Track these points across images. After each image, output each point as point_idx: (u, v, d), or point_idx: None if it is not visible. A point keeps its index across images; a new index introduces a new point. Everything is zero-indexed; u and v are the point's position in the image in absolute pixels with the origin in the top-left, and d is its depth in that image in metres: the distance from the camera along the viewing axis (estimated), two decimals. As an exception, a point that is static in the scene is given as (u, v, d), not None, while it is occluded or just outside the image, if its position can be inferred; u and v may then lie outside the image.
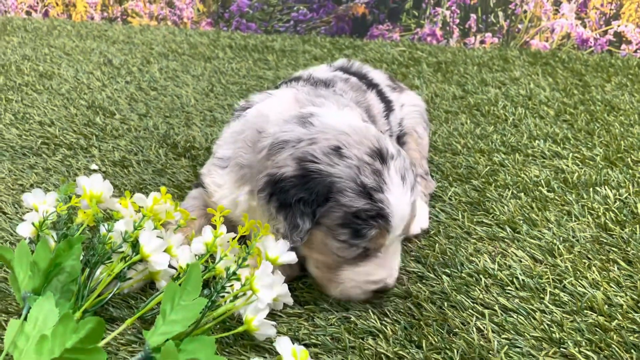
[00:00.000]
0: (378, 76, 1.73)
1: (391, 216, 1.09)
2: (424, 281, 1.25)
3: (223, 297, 1.07)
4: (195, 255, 1.21)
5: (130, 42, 3.10)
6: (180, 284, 1.03)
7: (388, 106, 1.60)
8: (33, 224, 1.17)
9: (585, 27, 2.97)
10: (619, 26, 2.93)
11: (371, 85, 1.62)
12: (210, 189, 1.33)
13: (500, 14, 3.03)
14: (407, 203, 1.12)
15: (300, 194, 1.09)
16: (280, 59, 2.86)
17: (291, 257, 1.10)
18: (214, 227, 1.18)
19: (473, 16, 3.06)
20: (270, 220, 1.13)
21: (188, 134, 1.97)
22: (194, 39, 3.19)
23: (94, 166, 1.74)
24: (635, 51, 2.95)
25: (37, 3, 3.61)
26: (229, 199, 1.29)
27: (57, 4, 3.59)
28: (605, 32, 2.96)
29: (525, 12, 3.01)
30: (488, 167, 1.73)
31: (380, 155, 1.12)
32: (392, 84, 1.76)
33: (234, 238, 1.17)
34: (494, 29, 3.07)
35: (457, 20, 3.09)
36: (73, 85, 2.42)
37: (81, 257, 1.13)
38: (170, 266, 1.17)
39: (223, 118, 2.11)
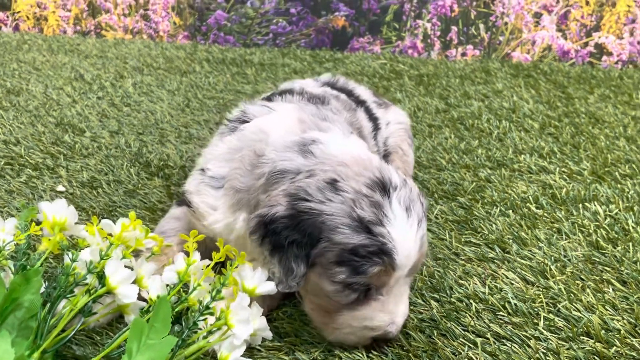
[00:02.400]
0: (364, 93, 1.68)
1: (395, 252, 0.99)
2: (412, 307, 1.18)
3: (196, 332, 0.98)
4: (167, 285, 1.12)
5: (103, 57, 3.01)
6: (148, 320, 0.94)
7: (375, 124, 1.55)
8: (-10, 255, 1.07)
9: (566, 39, 2.96)
10: (599, 38, 2.93)
11: (359, 102, 1.57)
12: (200, 209, 1.22)
13: (482, 26, 3.01)
14: (413, 238, 1.01)
15: (292, 236, 1.01)
16: (259, 72, 2.79)
17: (270, 288, 1.02)
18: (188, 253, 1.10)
19: (454, 28, 3.04)
20: (265, 264, 1.05)
21: (162, 151, 1.89)
22: (170, 52, 3.11)
23: (60, 188, 1.64)
24: (616, 62, 2.95)
25: (7, 17, 3.50)
26: (223, 223, 1.19)
27: (28, 18, 3.49)
28: (586, 44, 2.96)
29: (506, 24, 2.99)
30: (474, 184, 1.68)
31: (382, 187, 1.02)
32: (378, 100, 1.70)
33: (208, 265, 1.09)
34: (475, 41, 3.05)
35: (438, 33, 3.06)
36: (42, 101, 2.32)
37: (42, 290, 1.04)
38: (142, 298, 1.08)
39: (199, 134, 2.03)
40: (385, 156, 1.57)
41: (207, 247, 1.13)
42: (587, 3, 2.88)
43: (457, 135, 2.06)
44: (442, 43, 3.07)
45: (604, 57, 2.96)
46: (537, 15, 2.96)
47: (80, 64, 2.87)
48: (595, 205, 1.55)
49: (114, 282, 1.05)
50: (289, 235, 1.01)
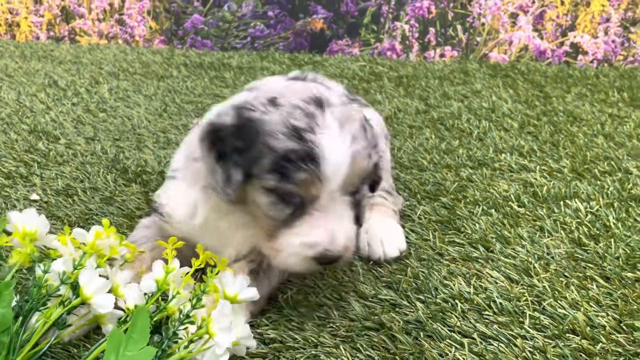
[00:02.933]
0: (334, 86, 1.66)
1: (322, 159, 1.00)
2: (397, 310, 1.16)
3: (176, 342, 0.95)
4: (145, 294, 1.09)
5: (78, 62, 2.95)
6: (125, 330, 0.91)
7: None
8: (-44, 267, 1.03)
9: (542, 38, 2.99)
10: (575, 37, 2.96)
11: None
12: (164, 205, 1.24)
13: (459, 27, 3.02)
14: (344, 149, 1.03)
15: (236, 143, 1.06)
16: (238, 76, 2.76)
17: (252, 294, 1.00)
18: (166, 260, 1.06)
19: (432, 30, 3.04)
20: (210, 174, 1.09)
21: (139, 157, 1.85)
22: (146, 57, 3.06)
23: (34, 196, 1.59)
24: (592, 61, 2.98)
25: (-22, 23, 3.43)
26: (184, 208, 1.20)
27: (0, 24, 3.41)
28: (562, 44, 2.99)
29: (483, 25, 3.01)
30: (456, 183, 1.67)
31: (318, 102, 1.07)
32: (350, 95, 1.68)
33: (187, 273, 1.06)
34: (453, 42, 3.06)
35: (417, 34, 3.06)
36: (14, 108, 2.26)
37: (14, 304, 1.00)
38: (118, 307, 1.05)
39: (177, 139, 1.99)
40: None
41: (183, 256, 1.10)
42: (562, 3, 2.91)
43: (437, 135, 2.06)
44: (421, 44, 3.07)
45: (580, 56, 2.99)
46: (514, 16, 2.98)
47: (54, 70, 2.81)
48: (576, 203, 1.55)
49: (89, 292, 1.01)
50: (233, 142, 1.06)
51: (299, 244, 1.04)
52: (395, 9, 3.03)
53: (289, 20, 3.14)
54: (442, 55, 3.07)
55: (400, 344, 1.07)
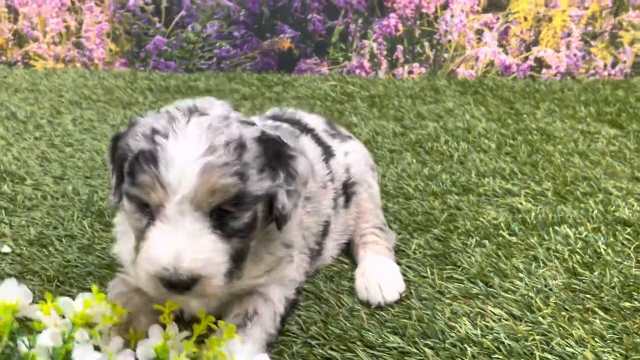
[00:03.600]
0: (313, 121, 1.62)
1: (163, 163, 0.97)
2: (406, 358, 1.13)
3: (186, 420, 0.89)
4: (143, 361, 1.02)
5: (35, 90, 2.81)
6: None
7: (327, 150, 1.48)
8: None
9: (507, 54, 3.04)
10: (538, 51, 3.02)
11: (305, 129, 1.50)
12: (118, 254, 1.21)
13: (426, 44, 3.05)
14: (191, 156, 0.97)
15: (119, 150, 1.07)
16: (207, 100, 2.68)
17: (263, 360, 0.95)
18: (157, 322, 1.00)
19: (400, 47, 3.05)
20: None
21: (115, 197, 1.75)
22: (108, 82, 2.94)
23: (5, 248, 1.49)
24: (555, 75, 3.06)
25: None
26: (126, 249, 1.15)
27: (-54, 49, 3.22)
28: (527, 58, 3.05)
29: (449, 41, 3.04)
30: (445, 212, 1.66)
31: (190, 110, 1.05)
32: (331, 130, 1.64)
33: (187, 338, 1.00)
34: (421, 59, 3.08)
35: (385, 52, 3.06)
36: (-29, 145, 2.12)
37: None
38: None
39: (153, 175, 1.91)
40: (349, 186, 1.50)
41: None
42: (525, 19, 2.98)
43: (418, 160, 2.05)
44: (389, 62, 3.08)
45: (544, 70, 3.06)
46: (479, 32, 3.02)
47: (9, 100, 2.66)
48: (564, 228, 1.56)
49: (87, 369, 0.94)
50: (119, 148, 1.07)
51: (143, 257, 0.99)
52: (362, 27, 3.03)
53: (255, 40, 3.09)
54: (410, 72, 3.09)
55: (415, 398, 1.04)
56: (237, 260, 1.04)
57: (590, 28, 2.98)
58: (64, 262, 1.43)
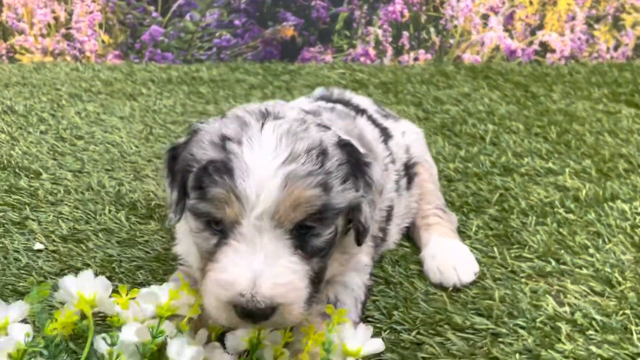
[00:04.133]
0: (363, 101, 1.55)
1: (238, 174, 0.85)
2: (500, 339, 1.07)
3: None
4: (231, 354, 0.94)
5: (28, 84, 2.64)
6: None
7: (384, 132, 1.42)
8: (10, 355, 0.83)
9: (512, 38, 3.03)
10: (543, 36, 3.02)
11: (358, 110, 1.43)
12: (182, 255, 1.13)
13: (432, 30, 3.01)
14: (271, 165, 0.86)
15: (180, 162, 0.97)
16: (215, 90, 2.58)
17: (377, 346, 0.87)
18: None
19: (405, 33, 3.01)
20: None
21: (142, 189, 1.65)
22: (104, 74, 2.79)
23: (38, 245, 1.37)
24: (559, 59, 3.06)
25: None
26: (190, 249, 1.06)
27: None
28: (531, 42, 3.04)
29: (455, 27, 3.00)
30: (494, 193, 1.61)
31: (263, 114, 0.95)
32: (380, 110, 1.58)
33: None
34: (427, 45, 3.04)
35: (390, 39, 3.01)
36: (-28, 141, 1.97)
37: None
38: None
39: (180, 165, 1.80)
40: (410, 167, 1.43)
41: None
42: (531, 3, 2.97)
43: (450, 142, 2.00)
44: (395, 49, 3.03)
45: (548, 54, 3.06)
46: (485, 17, 3.00)
47: (2, 94, 2.49)
48: (619, 204, 1.54)
49: (181, 365, 0.85)
50: (179, 161, 0.98)
51: (214, 281, 0.87)
52: (367, 14, 2.96)
53: (257, 29, 2.99)
54: (415, 59, 3.04)
55: (522, 380, 0.98)
56: (316, 283, 0.94)
57: (594, 11, 2.99)
58: (106, 257, 1.32)
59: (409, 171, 1.40)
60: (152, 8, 2.97)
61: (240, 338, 0.93)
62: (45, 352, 0.82)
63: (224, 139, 0.91)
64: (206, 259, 0.93)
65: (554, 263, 1.30)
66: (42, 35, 3.02)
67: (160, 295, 0.91)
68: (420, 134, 1.55)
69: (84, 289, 0.89)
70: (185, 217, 1.02)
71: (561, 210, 1.51)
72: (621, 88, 2.58)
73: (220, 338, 0.97)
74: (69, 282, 0.89)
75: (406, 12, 2.97)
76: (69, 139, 2.01)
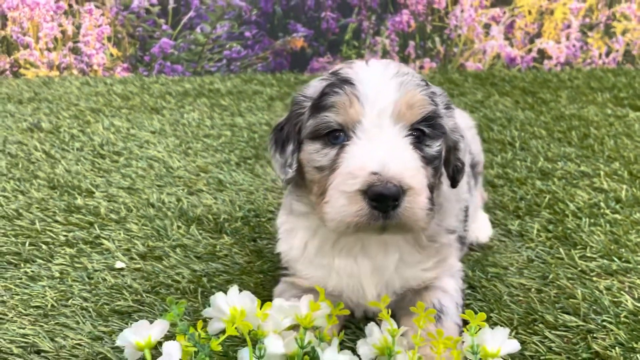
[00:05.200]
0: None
1: (357, 81, 0.97)
2: (594, 335, 1.15)
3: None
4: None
5: (42, 100, 2.60)
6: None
7: None
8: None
9: (512, 46, 3.16)
10: (541, 43, 3.16)
11: None
12: (284, 253, 1.16)
13: (437, 39, 3.11)
14: (385, 74, 0.99)
15: (288, 126, 1.06)
16: (236, 102, 2.60)
17: (514, 346, 0.93)
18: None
19: (412, 43, 3.10)
20: (274, 168, 1.12)
21: (202, 204, 1.66)
22: (118, 88, 2.78)
23: (119, 264, 1.37)
24: (556, 65, 3.21)
25: None
26: (295, 243, 1.13)
27: None
28: (530, 50, 3.18)
29: (459, 36, 3.11)
30: (541, 197, 1.70)
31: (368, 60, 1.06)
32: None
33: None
34: (432, 54, 3.13)
35: (397, 48, 3.10)
36: (8, 160, 1.94)
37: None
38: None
39: (234, 178, 1.83)
40: (474, 166, 1.49)
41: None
42: (530, 12, 3.11)
43: (483, 149, 2.08)
44: (401, 58, 3.11)
45: (545, 61, 3.20)
46: (487, 26, 3.12)
47: (19, 111, 2.45)
48: (659, 203, 1.65)
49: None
50: (286, 126, 1.07)
51: (341, 179, 0.93)
52: (375, 24, 3.04)
53: (267, 40, 3.03)
54: (421, 67, 3.14)
55: (626, 371, 1.06)
56: (431, 193, 0.98)
57: (587, 19, 3.15)
58: (193, 273, 1.34)
59: (473, 170, 1.47)
60: (162, 21, 2.96)
61: (372, 345, 0.97)
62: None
63: (334, 72, 1.02)
64: (325, 178, 0.98)
65: (617, 261, 1.39)
66: (49, 49, 2.97)
67: (300, 307, 0.95)
68: (474, 128, 1.60)
69: (233, 304, 0.92)
70: (289, 199, 1.13)
71: (608, 211, 1.61)
72: (622, 93, 2.73)
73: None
74: (220, 299, 0.92)
75: (412, 23, 3.06)
76: (108, 155, 2.00)
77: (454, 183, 1.11)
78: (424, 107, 0.98)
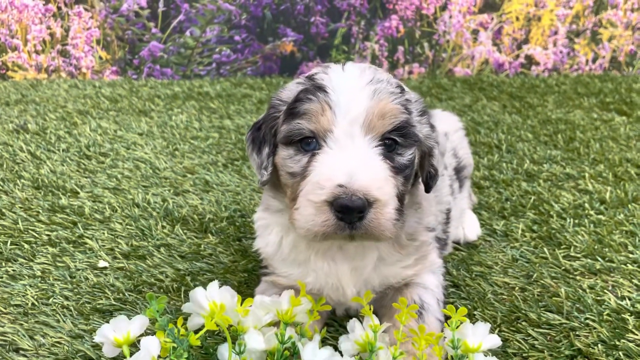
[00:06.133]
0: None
1: (329, 88, 0.97)
2: (577, 333, 1.16)
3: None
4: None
5: (29, 102, 2.59)
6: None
7: None
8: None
9: (500, 52, 3.19)
10: (528, 49, 3.19)
11: None
12: (260, 249, 1.16)
13: (426, 44, 3.12)
14: (358, 82, 0.98)
15: (265, 126, 1.07)
16: (225, 105, 2.60)
17: (495, 341, 0.93)
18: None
19: (401, 48, 3.11)
20: (252, 166, 1.11)
21: (187, 204, 1.66)
22: (106, 91, 2.77)
23: (102, 263, 1.36)
24: (543, 71, 3.24)
25: None
26: (271, 239, 1.13)
27: None
28: (518, 56, 3.21)
29: (447, 41, 3.13)
30: (526, 198, 1.71)
31: (344, 64, 1.07)
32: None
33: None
34: (421, 59, 3.15)
35: (386, 53, 3.11)
36: (-7, 161, 1.92)
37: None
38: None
39: (220, 179, 1.82)
40: (461, 170, 1.50)
41: None
42: (517, 19, 3.14)
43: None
44: (390, 63, 3.13)
45: (533, 67, 3.23)
46: (475, 32, 3.15)
47: (5, 112, 2.43)
48: (642, 205, 1.66)
49: (316, 369, 0.89)
50: (263, 127, 1.07)
51: (309, 187, 0.94)
52: (365, 29, 3.06)
53: (257, 44, 3.03)
54: (410, 72, 3.15)
55: (608, 368, 1.06)
56: (400, 203, 0.99)
57: (574, 26, 3.19)
58: (176, 272, 1.33)
59: (459, 175, 1.47)
60: (151, 24, 2.96)
61: (354, 341, 0.97)
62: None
63: (310, 77, 1.03)
64: (297, 184, 0.98)
65: (601, 261, 1.40)
66: (37, 52, 2.95)
67: (281, 302, 0.94)
68: (462, 131, 1.60)
69: (212, 299, 0.91)
70: (266, 195, 1.14)
71: (592, 212, 1.62)
72: (608, 98, 2.76)
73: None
74: (199, 294, 0.91)
75: (401, 28, 3.08)
76: (94, 157, 1.99)
77: (427, 188, 1.11)
78: (395, 117, 0.98)
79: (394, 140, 0.99)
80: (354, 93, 0.97)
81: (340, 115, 0.95)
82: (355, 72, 1.02)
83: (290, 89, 1.05)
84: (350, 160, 0.93)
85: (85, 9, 2.90)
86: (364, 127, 0.96)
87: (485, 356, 0.89)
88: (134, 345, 0.92)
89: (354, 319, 0.99)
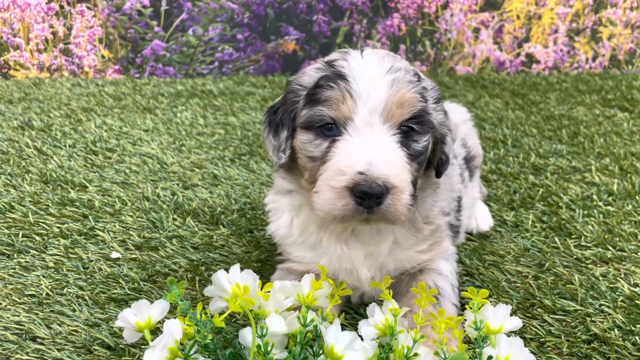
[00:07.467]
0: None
1: (350, 76, 0.98)
2: (592, 318, 1.16)
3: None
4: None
5: (33, 100, 2.58)
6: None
7: None
8: (170, 350, 0.84)
9: (501, 50, 3.20)
10: (529, 48, 3.21)
11: None
12: (273, 232, 1.17)
13: (427, 42, 3.14)
14: (378, 70, 1.00)
15: (282, 109, 1.07)
16: (229, 103, 2.60)
17: (516, 323, 0.93)
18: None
19: (402, 46, 3.12)
20: (266, 149, 1.11)
21: (197, 197, 1.66)
22: (109, 89, 2.76)
23: (115, 254, 1.36)
24: (544, 69, 3.26)
25: None
26: (282, 221, 1.15)
27: None
28: (518, 54, 3.23)
29: (449, 40, 3.15)
30: (534, 190, 1.72)
31: (362, 49, 1.08)
32: None
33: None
34: (422, 58, 3.17)
35: (388, 51, 3.12)
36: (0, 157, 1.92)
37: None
38: None
39: (229, 173, 1.82)
40: (471, 159, 1.51)
41: None
42: (518, 17, 3.16)
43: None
44: (392, 61, 3.14)
45: (533, 65, 3.25)
46: (476, 31, 3.16)
47: (9, 110, 2.42)
48: (649, 196, 1.68)
49: (339, 350, 0.89)
50: (281, 110, 1.08)
51: (330, 173, 0.97)
52: (367, 28, 3.07)
53: (259, 43, 3.04)
54: (412, 71, 3.16)
55: (622, 350, 1.07)
56: (413, 188, 1.02)
57: (574, 24, 3.21)
58: (190, 262, 1.33)
59: (469, 164, 1.48)
60: (154, 23, 2.96)
61: (374, 325, 0.97)
62: (212, 345, 0.84)
63: (329, 62, 1.04)
64: (317, 168, 1.00)
65: (612, 250, 1.41)
66: (39, 51, 2.95)
67: (302, 286, 0.94)
68: (470, 121, 1.62)
69: (235, 281, 0.91)
70: (279, 179, 1.15)
71: (600, 204, 1.63)
72: (609, 95, 2.78)
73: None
74: (222, 276, 0.91)
75: (403, 26, 3.09)
76: (101, 152, 1.98)
77: (438, 174, 1.14)
78: (413, 105, 1.00)
79: (411, 127, 1.02)
80: (373, 82, 0.99)
81: (361, 104, 0.97)
82: (375, 60, 1.03)
83: (310, 74, 1.06)
84: (369, 148, 0.96)
85: (88, 8, 2.90)
86: (383, 116, 0.98)
87: (508, 336, 0.90)
88: (153, 333, 0.92)
89: (373, 303, 0.99)
